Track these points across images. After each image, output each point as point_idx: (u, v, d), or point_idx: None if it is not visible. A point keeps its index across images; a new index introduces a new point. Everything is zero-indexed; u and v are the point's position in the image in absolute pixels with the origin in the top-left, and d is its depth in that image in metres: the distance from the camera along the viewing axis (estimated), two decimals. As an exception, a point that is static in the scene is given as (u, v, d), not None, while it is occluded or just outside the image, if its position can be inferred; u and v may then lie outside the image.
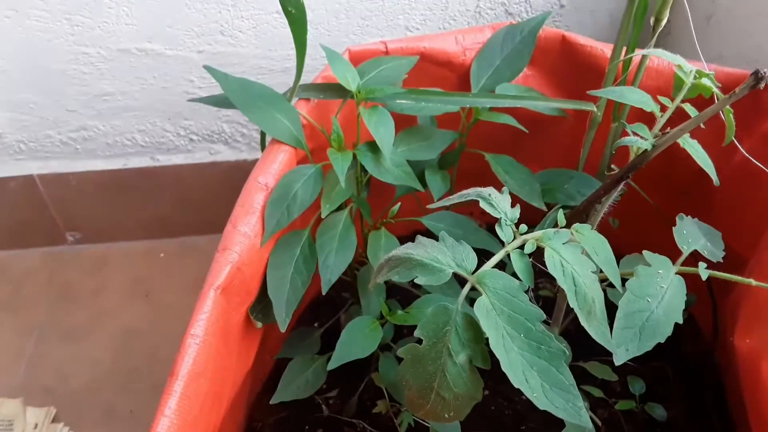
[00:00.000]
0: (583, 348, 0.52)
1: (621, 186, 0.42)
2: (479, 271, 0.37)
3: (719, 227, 0.59)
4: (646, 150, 0.44)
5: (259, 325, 0.50)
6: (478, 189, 0.42)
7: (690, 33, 0.70)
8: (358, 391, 0.62)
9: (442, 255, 0.38)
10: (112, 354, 0.81)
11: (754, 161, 0.51)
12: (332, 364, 0.49)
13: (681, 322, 0.42)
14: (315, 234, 0.52)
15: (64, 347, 0.82)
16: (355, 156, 0.52)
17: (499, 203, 0.41)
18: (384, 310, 0.53)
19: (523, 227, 0.41)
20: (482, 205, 0.41)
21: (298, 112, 0.53)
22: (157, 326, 0.83)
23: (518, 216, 0.41)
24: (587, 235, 0.42)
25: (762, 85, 0.32)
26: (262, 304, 0.49)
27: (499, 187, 0.54)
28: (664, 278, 0.44)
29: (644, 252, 0.45)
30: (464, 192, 0.42)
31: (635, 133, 0.46)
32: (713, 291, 0.59)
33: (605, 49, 0.60)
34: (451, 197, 0.42)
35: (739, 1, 0.67)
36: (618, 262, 0.59)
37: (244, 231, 0.45)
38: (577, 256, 0.38)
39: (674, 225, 0.51)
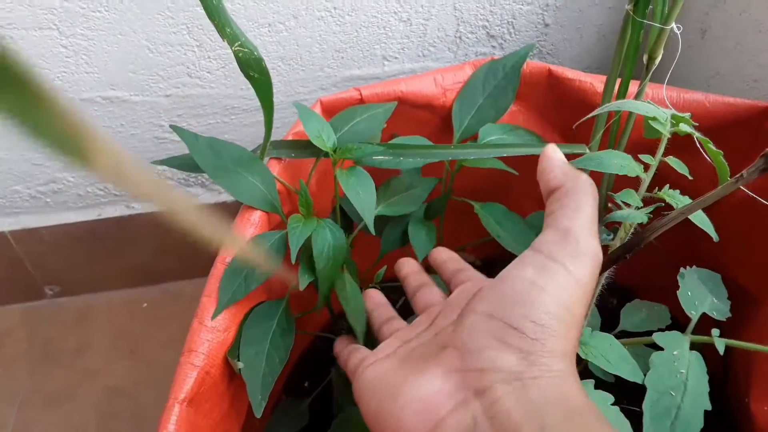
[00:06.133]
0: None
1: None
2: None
3: (726, 261, 0.55)
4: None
5: (240, 365, 0.43)
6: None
7: (683, 54, 0.66)
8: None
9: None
10: (96, 418, 0.77)
11: (757, 198, 0.47)
12: None
13: (710, 408, 0.38)
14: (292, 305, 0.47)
15: (48, 414, 0.78)
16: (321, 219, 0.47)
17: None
18: None
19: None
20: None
21: (273, 175, 0.49)
22: (142, 385, 0.79)
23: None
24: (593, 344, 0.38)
25: (773, 168, 0.29)
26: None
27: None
28: (680, 361, 0.40)
29: (654, 335, 0.41)
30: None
31: (625, 203, 0.42)
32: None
33: (594, 82, 0.56)
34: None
35: (733, 15, 0.63)
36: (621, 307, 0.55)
37: (212, 326, 0.40)
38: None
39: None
